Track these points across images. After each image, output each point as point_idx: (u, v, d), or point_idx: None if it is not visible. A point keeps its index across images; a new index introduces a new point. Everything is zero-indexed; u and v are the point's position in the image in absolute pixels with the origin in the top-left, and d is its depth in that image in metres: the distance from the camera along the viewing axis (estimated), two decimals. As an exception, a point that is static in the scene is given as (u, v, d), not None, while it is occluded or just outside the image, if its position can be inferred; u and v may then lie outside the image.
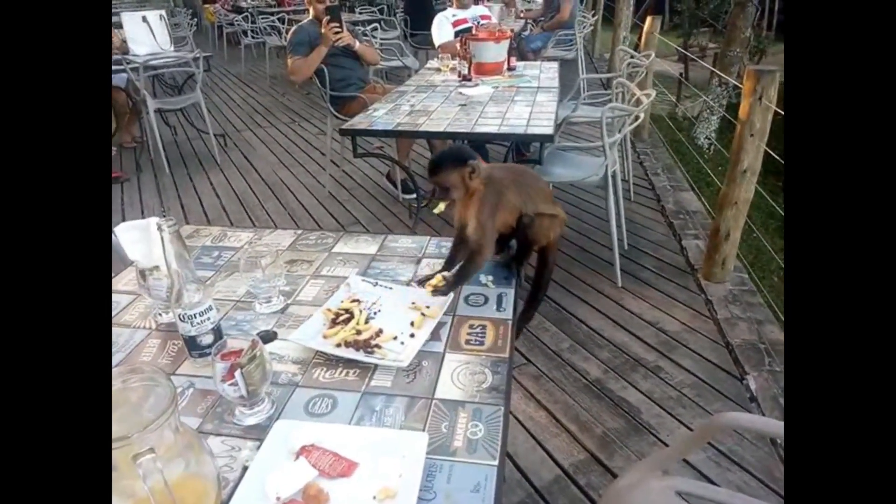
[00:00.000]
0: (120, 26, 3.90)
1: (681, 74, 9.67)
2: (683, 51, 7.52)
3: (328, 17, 2.96)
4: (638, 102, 2.37)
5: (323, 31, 2.98)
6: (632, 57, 3.20)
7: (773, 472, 1.52)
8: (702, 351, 1.99)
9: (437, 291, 1.03)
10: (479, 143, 3.26)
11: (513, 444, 1.62)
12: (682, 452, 0.92)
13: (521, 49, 5.23)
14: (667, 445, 1.60)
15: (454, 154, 1.09)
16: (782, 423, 1.18)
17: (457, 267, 1.09)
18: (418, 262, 1.19)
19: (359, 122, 2.27)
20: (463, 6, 3.83)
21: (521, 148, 3.26)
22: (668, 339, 2.06)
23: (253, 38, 7.25)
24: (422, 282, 1.08)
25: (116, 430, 0.52)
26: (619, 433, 1.65)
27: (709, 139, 7.47)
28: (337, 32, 2.98)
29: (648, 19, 3.96)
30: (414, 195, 3.10)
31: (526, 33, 5.54)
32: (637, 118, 2.31)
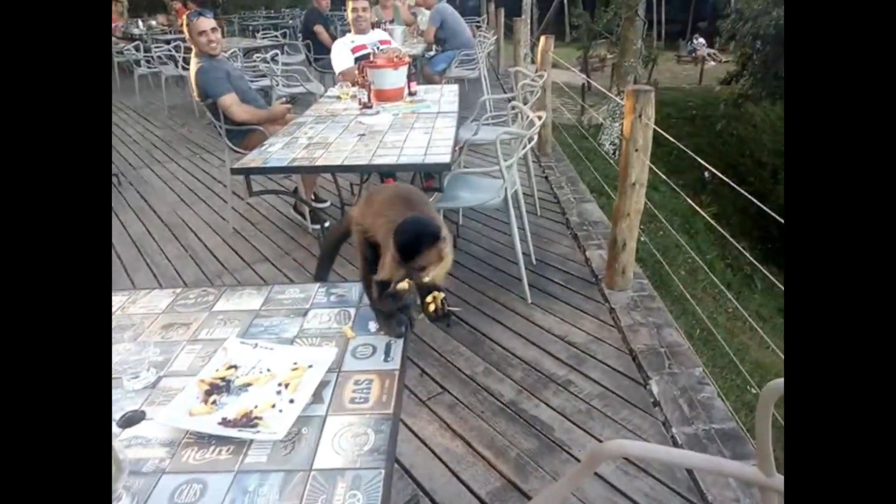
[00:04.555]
0: None
1: (583, 85, 10.20)
2: (569, 67, 7.97)
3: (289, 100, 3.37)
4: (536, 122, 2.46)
5: (278, 110, 3.18)
6: (527, 77, 3.32)
7: (676, 474, 1.59)
8: (608, 360, 2.07)
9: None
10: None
11: (430, 479, 1.60)
12: (572, 485, 0.95)
13: (426, 71, 5.31)
14: (578, 461, 1.65)
15: (424, 231, 0.97)
16: (663, 448, 1.25)
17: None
18: (305, 314, 1.15)
19: (251, 159, 2.20)
20: (361, 31, 3.83)
21: (430, 173, 3.29)
22: (577, 352, 2.13)
23: (148, 67, 6.88)
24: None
25: None
26: (534, 454, 1.68)
27: (614, 145, 7.90)
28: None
29: (542, 39, 4.13)
30: (325, 224, 3.05)
31: (431, 54, 5.63)
32: (531, 139, 2.39)
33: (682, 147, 2.14)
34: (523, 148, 2.39)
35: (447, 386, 1.97)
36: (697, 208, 4.07)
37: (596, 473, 1.59)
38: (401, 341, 1.06)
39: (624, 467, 1.62)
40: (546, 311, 2.37)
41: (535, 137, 2.49)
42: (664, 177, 2.32)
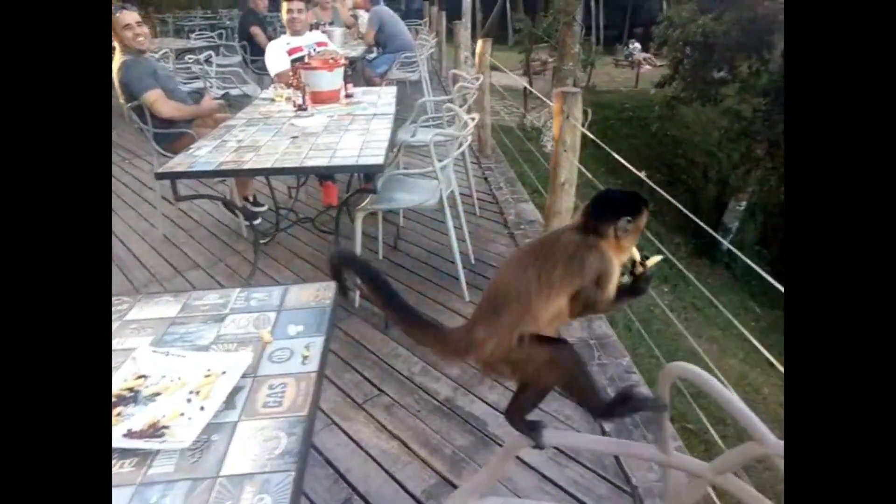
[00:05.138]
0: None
1: (525, 88, 10.42)
2: (505, 70, 8.15)
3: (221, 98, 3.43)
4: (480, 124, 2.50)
5: (207, 105, 3.11)
6: (464, 80, 3.37)
7: (604, 461, 1.66)
8: (542, 355, 2.13)
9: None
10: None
11: (365, 482, 1.60)
12: (493, 475, 0.97)
13: (366, 73, 5.28)
14: (511, 454, 1.69)
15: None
16: (573, 434, 1.29)
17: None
18: (223, 319, 1.13)
19: (177, 163, 2.13)
20: (296, 33, 3.77)
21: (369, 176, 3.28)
22: (513, 348, 2.17)
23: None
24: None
25: None
26: (468, 449, 1.71)
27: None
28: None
29: (479, 42, 4.20)
30: (258, 221, 3.01)
31: (371, 56, 5.61)
32: (465, 141, 2.43)
33: (608, 149, 2.23)
34: (458, 149, 2.43)
35: (384, 388, 1.97)
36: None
37: (527, 464, 1.64)
38: (321, 341, 1.06)
39: (555, 457, 1.67)
40: (483, 310, 2.41)
41: (469, 139, 2.53)
42: (590, 176, 2.40)
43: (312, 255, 2.89)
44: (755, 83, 10.21)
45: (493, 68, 4.26)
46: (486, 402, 1.89)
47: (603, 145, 2.28)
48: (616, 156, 2.04)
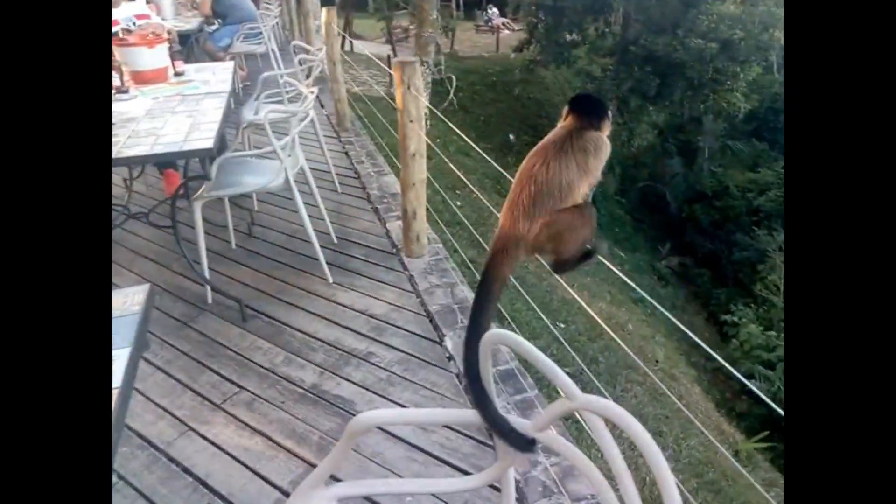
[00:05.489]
0: None
1: (388, 56, 10.27)
2: (342, 35, 8.02)
3: None
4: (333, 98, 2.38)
5: None
6: (307, 52, 3.21)
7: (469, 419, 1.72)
8: (407, 326, 2.15)
9: None
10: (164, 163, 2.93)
11: (227, 485, 1.53)
12: (336, 461, 0.97)
13: (208, 48, 4.85)
14: (380, 429, 1.70)
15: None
16: (411, 411, 1.31)
17: None
18: None
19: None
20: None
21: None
22: (379, 323, 2.17)
23: None
24: None
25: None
26: (336, 432, 1.69)
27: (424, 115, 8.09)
28: None
29: (324, 11, 4.01)
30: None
31: (213, 28, 5.15)
32: (307, 115, 2.32)
33: (446, 120, 2.26)
34: (300, 124, 2.32)
35: (244, 384, 1.87)
36: (502, 171, 4.38)
37: (395, 436, 1.66)
38: (126, 352, 0.96)
39: (422, 425, 1.70)
40: (348, 288, 2.38)
41: (313, 112, 2.43)
42: (433, 146, 2.42)
43: (158, 253, 2.64)
44: (602, 44, 10.95)
45: (356, 37, 4.11)
46: (353, 382, 1.88)
47: (442, 117, 2.31)
48: (454, 127, 2.07)
